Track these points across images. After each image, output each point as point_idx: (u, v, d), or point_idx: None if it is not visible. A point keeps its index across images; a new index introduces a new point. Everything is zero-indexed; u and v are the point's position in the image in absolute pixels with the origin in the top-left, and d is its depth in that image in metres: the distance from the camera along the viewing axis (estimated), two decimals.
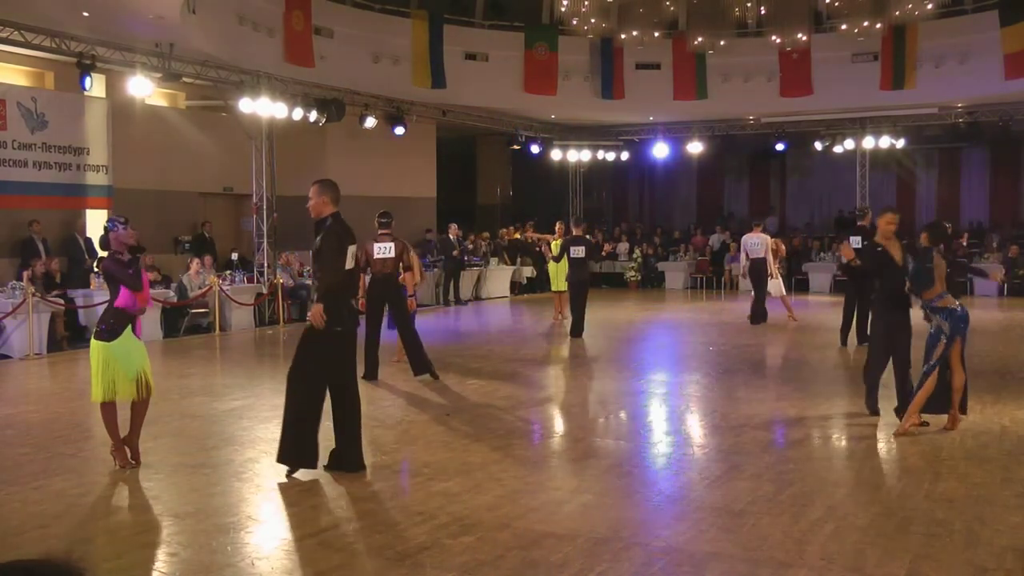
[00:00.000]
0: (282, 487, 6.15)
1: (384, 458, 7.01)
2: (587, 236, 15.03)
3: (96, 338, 6.63)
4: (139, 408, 6.76)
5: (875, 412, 8.08)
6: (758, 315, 15.79)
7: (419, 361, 10.33)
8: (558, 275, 15.96)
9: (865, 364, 8.25)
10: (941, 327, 7.41)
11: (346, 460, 6.45)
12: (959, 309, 7.45)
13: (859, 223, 13.19)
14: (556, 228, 15.74)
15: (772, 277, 15.84)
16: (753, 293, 15.95)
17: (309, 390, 6.39)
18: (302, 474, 6.37)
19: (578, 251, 14.15)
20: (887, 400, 8.12)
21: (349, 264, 6.52)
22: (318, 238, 6.54)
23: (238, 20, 15.41)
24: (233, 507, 5.77)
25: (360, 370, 10.28)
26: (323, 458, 6.50)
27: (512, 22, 20.40)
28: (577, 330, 14.17)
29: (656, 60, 20.44)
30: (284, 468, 6.41)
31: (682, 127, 23.58)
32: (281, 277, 16.58)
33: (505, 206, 27.83)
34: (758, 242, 15.70)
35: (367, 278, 10.55)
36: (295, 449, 6.35)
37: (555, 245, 15.27)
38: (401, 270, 10.49)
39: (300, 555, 4.91)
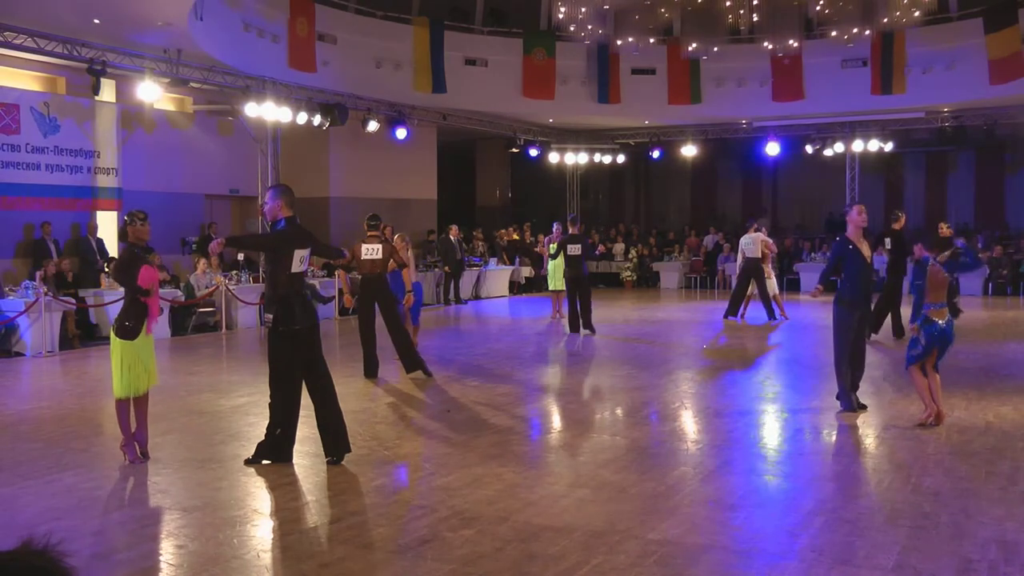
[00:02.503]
0: (286, 482, 6.25)
1: (386, 453, 7.12)
2: (582, 235, 15.56)
3: (119, 336, 6.70)
4: (142, 402, 6.87)
5: (854, 409, 8.27)
6: (732, 309, 16.30)
7: (410, 359, 10.56)
8: (555, 274, 16.26)
9: (836, 364, 8.39)
10: (919, 336, 7.64)
11: (339, 446, 6.72)
12: (941, 324, 7.59)
13: (892, 226, 13.58)
14: (554, 230, 16.14)
15: (767, 277, 16.34)
16: (757, 292, 16.37)
17: (285, 395, 6.66)
18: (307, 470, 6.55)
19: (574, 249, 14.62)
20: (873, 396, 8.37)
21: (296, 267, 6.64)
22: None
23: (244, 27, 15.69)
24: (239, 501, 5.85)
25: (360, 368, 10.67)
26: (322, 453, 6.73)
27: (511, 28, 20.72)
28: (574, 326, 14.63)
29: (651, 65, 20.79)
30: (288, 463, 6.62)
31: (676, 131, 23.88)
32: None
33: (504, 208, 28.13)
34: (749, 241, 16.24)
35: (348, 277, 11.11)
36: (272, 452, 6.68)
37: (553, 246, 15.70)
38: (398, 268, 10.82)
39: (304, 548, 4.98)
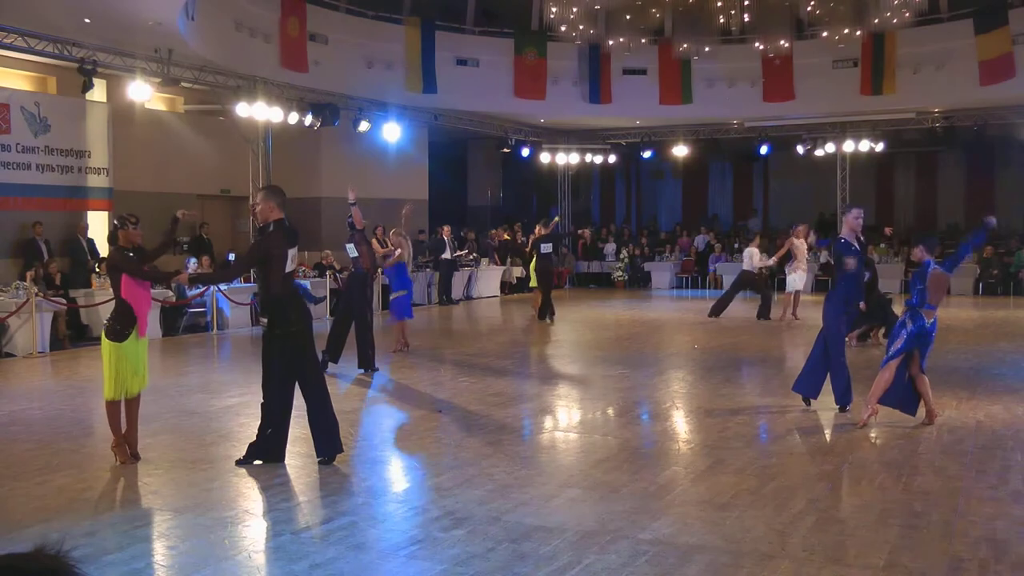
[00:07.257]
0: (278, 483, 6.24)
1: (377, 454, 7.16)
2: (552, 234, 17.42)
3: (108, 337, 6.72)
4: (133, 403, 6.87)
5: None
6: (718, 309, 16.83)
7: (365, 358, 10.89)
8: (534, 271, 17.14)
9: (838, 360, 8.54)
10: (906, 323, 7.68)
11: (331, 446, 6.71)
12: (927, 323, 7.62)
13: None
14: (536, 230, 16.88)
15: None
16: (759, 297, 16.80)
17: (279, 395, 6.65)
18: (299, 470, 6.55)
19: (546, 247, 16.45)
20: (864, 396, 8.31)
21: (290, 267, 6.62)
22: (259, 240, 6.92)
23: (235, 27, 15.70)
24: (230, 502, 5.85)
25: (354, 368, 10.81)
26: (313, 454, 6.73)
27: (502, 28, 20.78)
28: (544, 314, 16.33)
29: (642, 66, 20.87)
30: (279, 464, 6.61)
31: (667, 131, 23.97)
32: None
33: (496, 208, 28.16)
34: (747, 255, 17.02)
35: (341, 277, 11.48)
36: (264, 452, 6.68)
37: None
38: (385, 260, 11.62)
39: (295, 548, 4.97)
